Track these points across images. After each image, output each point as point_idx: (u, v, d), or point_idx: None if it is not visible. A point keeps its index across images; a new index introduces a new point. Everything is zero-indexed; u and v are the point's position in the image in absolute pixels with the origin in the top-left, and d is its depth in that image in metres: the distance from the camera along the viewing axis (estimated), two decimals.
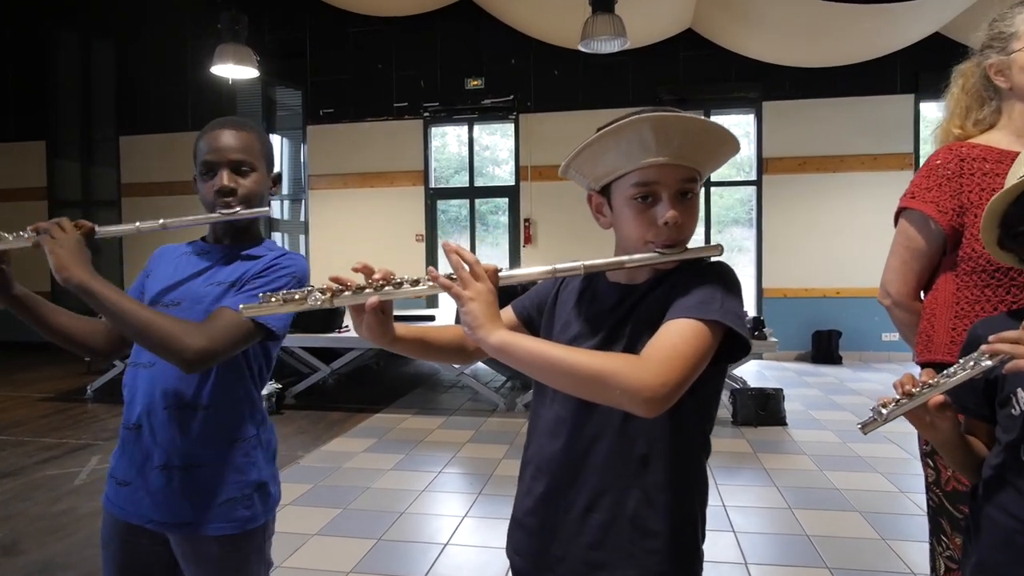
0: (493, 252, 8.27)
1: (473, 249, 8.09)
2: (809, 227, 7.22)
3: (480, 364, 5.63)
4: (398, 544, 2.82)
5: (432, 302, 7.37)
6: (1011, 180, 1.01)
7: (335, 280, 0.92)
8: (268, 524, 1.30)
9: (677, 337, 0.86)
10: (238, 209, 1.28)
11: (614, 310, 0.99)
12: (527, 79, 7.88)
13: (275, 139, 8.80)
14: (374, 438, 4.40)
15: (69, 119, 9.12)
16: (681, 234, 0.94)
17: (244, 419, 1.27)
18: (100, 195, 9.02)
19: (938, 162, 1.43)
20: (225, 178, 1.27)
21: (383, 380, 6.46)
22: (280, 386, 5.16)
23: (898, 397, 0.97)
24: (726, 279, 0.94)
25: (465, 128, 8.21)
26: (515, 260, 7.74)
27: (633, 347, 0.92)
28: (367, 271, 0.93)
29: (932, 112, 7.14)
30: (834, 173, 7.18)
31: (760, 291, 7.41)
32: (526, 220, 7.77)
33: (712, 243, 0.96)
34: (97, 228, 1.22)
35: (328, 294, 0.91)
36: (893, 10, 5.92)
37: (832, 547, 2.71)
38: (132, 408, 1.26)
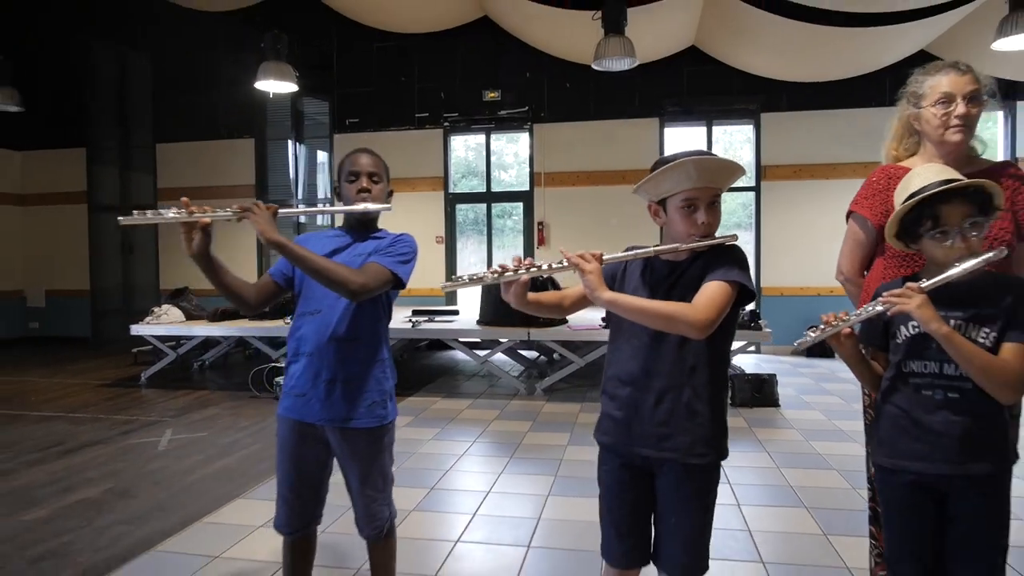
0: (505, 254, 8.80)
1: (490, 249, 8.65)
2: (804, 230, 7.75)
3: (498, 355, 6.18)
4: (447, 491, 3.36)
5: (451, 300, 7.94)
6: (898, 198, 1.55)
7: (501, 266, 1.48)
8: (393, 425, 1.85)
9: (712, 292, 1.43)
10: (368, 205, 1.83)
11: (667, 278, 1.55)
12: (541, 91, 8.42)
13: (302, 149, 9.38)
14: (411, 416, 4.94)
15: (108, 128, 9.68)
16: (710, 230, 1.51)
17: (380, 347, 1.83)
18: (137, 199, 9.56)
19: (874, 179, 1.98)
20: (364, 182, 1.83)
21: (409, 370, 6.99)
22: None
23: (822, 327, 1.51)
24: (739, 256, 1.51)
25: (481, 137, 8.75)
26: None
27: (683, 299, 1.46)
28: (517, 261, 1.49)
29: None
30: (827, 180, 7.71)
31: (758, 289, 7.94)
32: (540, 223, 8.31)
33: (728, 234, 1.51)
34: (279, 209, 1.75)
35: (497, 274, 1.47)
36: (881, 32, 6.46)
37: (810, 493, 3.24)
38: (304, 343, 1.80)
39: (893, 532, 1.55)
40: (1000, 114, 7.75)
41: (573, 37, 7.32)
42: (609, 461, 1.62)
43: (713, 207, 1.50)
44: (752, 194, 8.11)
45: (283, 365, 5.58)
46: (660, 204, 1.55)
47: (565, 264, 1.47)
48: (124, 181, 9.72)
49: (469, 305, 6.77)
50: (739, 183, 8.31)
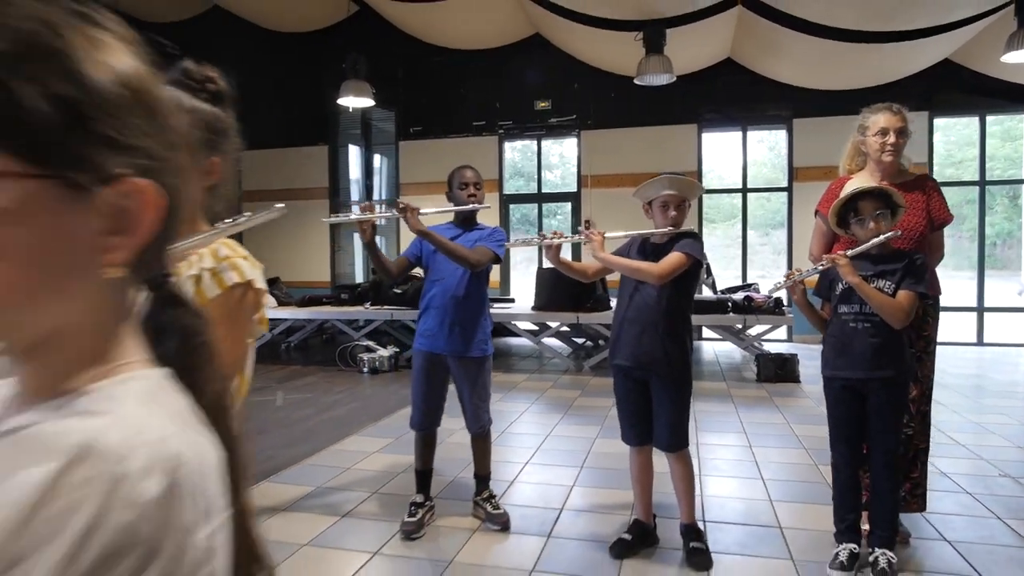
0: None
1: (540, 247, 9.46)
2: None
3: (550, 340, 6.98)
4: (514, 435, 4.19)
5: (505, 290, 8.78)
6: (844, 194, 2.30)
7: (540, 234, 2.31)
8: (491, 356, 2.70)
9: (671, 257, 2.27)
10: (476, 205, 2.67)
11: (652, 253, 2.37)
12: (587, 101, 9.19)
13: (364, 154, 10.36)
14: None
15: None
16: (678, 222, 2.32)
17: (484, 303, 2.68)
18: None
19: (832, 187, 2.72)
20: (472, 190, 2.67)
21: None
22: (397, 350, 6.61)
23: (785, 278, 2.28)
24: (696, 239, 2.32)
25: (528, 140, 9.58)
26: (577, 254, 9.06)
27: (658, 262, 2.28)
28: (553, 232, 2.31)
29: (944, 127, 8.19)
30: None
31: None
32: (586, 220, 9.06)
33: (691, 229, 2.32)
34: (421, 209, 2.59)
35: (540, 239, 2.31)
36: (901, 46, 7.04)
37: (810, 441, 3.95)
38: (434, 300, 2.65)
39: (832, 422, 2.31)
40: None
41: (617, 52, 8.07)
42: (619, 376, 2.44)
43: (680, 208, 2.33)
44: (785, 194, 8.72)
45: (365, 344, 6.47)
46: (648, 205, 2.39)
47: (583, 237, 2.34)
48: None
49: (524, 294, 7.59)
50: (773, 185, 9.06)
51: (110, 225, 0.42)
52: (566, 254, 2.60)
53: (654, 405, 2.39)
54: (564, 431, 4.28)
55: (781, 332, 7.79)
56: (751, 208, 8.96)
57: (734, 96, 8.70)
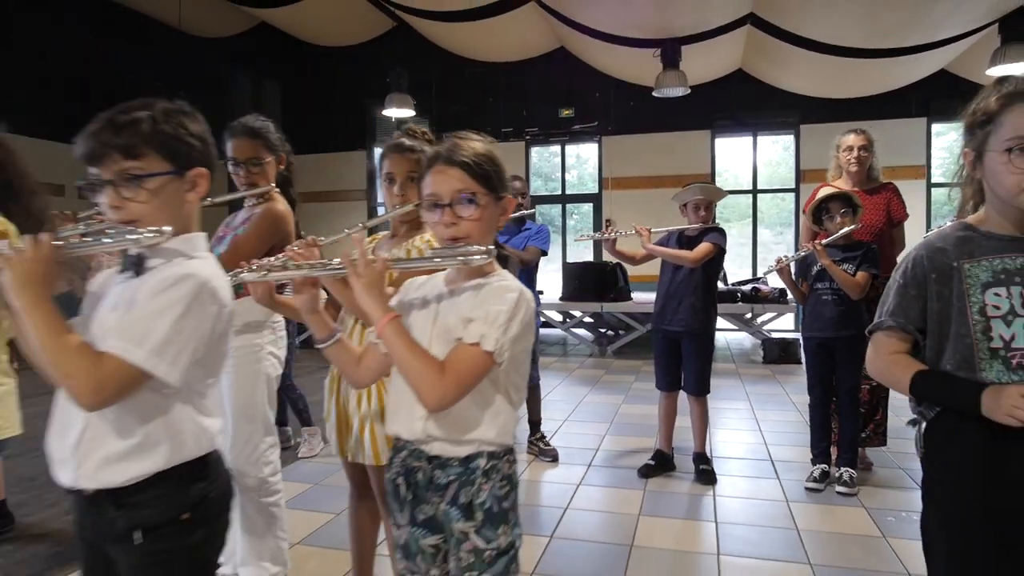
0: (579, 247, 10.32)
1: (564, 241, 10.19)
2: None
3: (574, 329, 7.69)
4: (549, 401, 4.93)
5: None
6: (817, 197, 3.01)
7: (612, 229, 3.04)
8: (538, 330, 3.43)
9: (701, 246, 3.01)
10: (523, 212, 3.40)
11: (688, 242, 3.09)
12: (608, 109, 9.90)
13: None
14: None
15: None
16: (707, 219, 3.07)
17: (534, 291, 3.40)
18: None
19: (815, 191, 3.42)
20: (520, 199, 3.41)
21: None
22: None
23: (775, 263, 3.00)
24: (720, 232, 3.05)
25: (557, 147, 10.31)
26: (598, 249, 9.79)
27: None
28: (611, 228, 3.04)
29: (941, 132, 8.81)
30: None
31: None
32: (607, 220, 9.79)
33: (717, 224, 3.03)
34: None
35: (605, 235, 3.05)
36: (901, 60, 7.69)
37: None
38: None
39: (809, 372, 3.03)
40: None
41: (636, 65, 8.76)
42: (659, 337, 3.17)
43: (708, 208, 3.06)
44: (792, 195, 9.38)
45: None
46: (684, 206, 3.11)
47: (634, 232, 3.05)
48: None
49: (551, 287, 8.31)
50: (781, 186, 9.74)
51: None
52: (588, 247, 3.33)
53: (684, 360, 3.14)
54: (594, 399, 5.01)
55: (789, 322, 8.44)
56: (766, 208, 9.64)
57: (745, 104, 9.36)
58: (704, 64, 8.38)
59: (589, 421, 4.36)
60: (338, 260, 1.15)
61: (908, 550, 2.42)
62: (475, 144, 1.21)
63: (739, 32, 7.63)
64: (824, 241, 2.90)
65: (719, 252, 3.07)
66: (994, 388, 1.10)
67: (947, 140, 9.26)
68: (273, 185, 2.13)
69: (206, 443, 1.07)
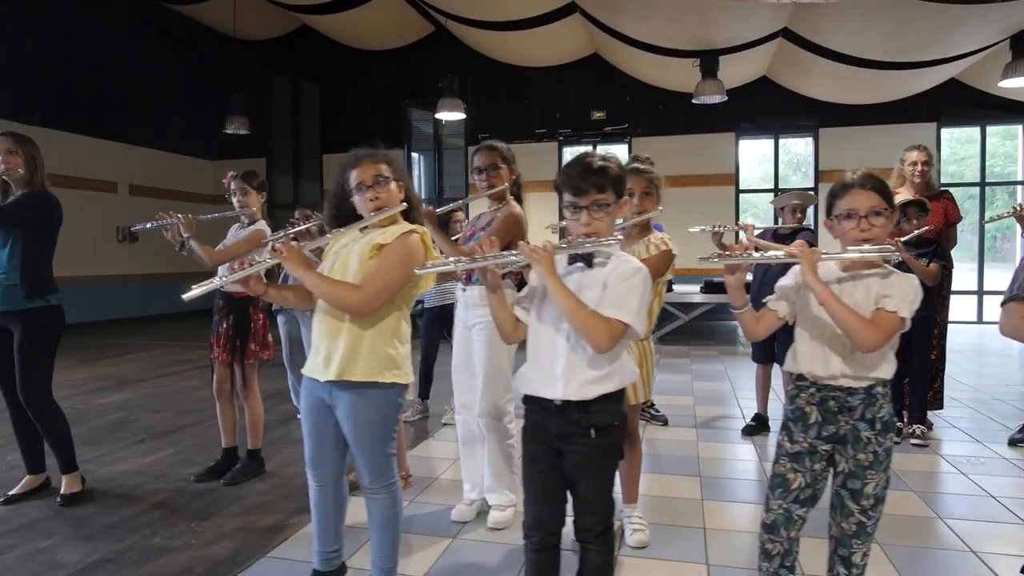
0: None
1: None
2: None
3: None
4: None
5: None
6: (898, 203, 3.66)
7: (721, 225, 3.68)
8: None
9: (797, 243, 3.60)
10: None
11: (783, 239, 3.73)
12: (638, 111, 10.52)
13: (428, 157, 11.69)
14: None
15: (284, 141, 12.14)
16: (800, 220, 3.67)
17: None
18: (306, 200, 11.98)
19: None
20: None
21: None
22: None
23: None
24: (811, 231, 3.67)
25: (588, 147, 10.91)
26: None
27: None
28: (720, 225, 3.68)
29: (950, 136, 9.52)
30: None
31: None
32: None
33: (808, 225, 3.66)
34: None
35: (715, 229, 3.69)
36: (916, 71, 8.38)
37: None
38: None
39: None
40: (1020, 128, 9.56)
41: (665, 69, 9.39)
42: None
43: (804, 212, 3.69)
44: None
45: None
46: (781, 209, 3.74)
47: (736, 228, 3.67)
48: (296, 186, 12.19)
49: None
50: (800, 186, 10.43)
51: None
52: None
53: (776, 335, 3.71)
54: (664, 378, 5.65)
55: None
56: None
57: (767, 108, 10.02)
58: (734, 72, 9.02)
59: (672, 393, 5.00)
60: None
61: (976, 486, 3.09)
62: None
63: (772, 44, 8.28)
64: (904, 239, 3.54)
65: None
66: None
67: (954, 132, 10.09)
68: (506, 185, 2.70)
69: (629, 377, 1.67)
